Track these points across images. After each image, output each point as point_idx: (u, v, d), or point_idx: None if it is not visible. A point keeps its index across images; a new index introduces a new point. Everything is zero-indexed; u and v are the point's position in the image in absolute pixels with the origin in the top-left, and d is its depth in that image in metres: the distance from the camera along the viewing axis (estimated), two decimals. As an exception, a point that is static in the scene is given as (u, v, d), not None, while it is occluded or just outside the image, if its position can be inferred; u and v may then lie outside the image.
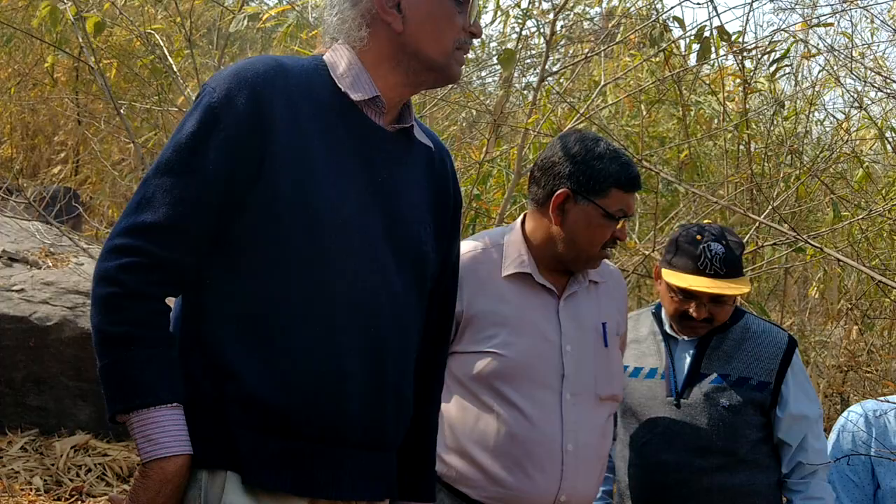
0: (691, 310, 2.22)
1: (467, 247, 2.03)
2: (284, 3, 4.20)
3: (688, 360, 2.29)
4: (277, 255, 1.43)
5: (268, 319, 1.44)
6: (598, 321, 2.05)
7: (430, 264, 1.63)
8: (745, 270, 2.44)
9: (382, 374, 1.53)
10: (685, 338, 2.30)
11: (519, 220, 2.08)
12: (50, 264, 4.41)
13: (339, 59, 1.54)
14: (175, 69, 4.25)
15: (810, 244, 2.08)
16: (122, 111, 3.66)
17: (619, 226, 1.98)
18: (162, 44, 4.36)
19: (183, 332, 1.47)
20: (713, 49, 4.23)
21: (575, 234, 1.97)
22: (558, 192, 1.96)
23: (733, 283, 2.21)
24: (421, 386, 1.68)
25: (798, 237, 2.08)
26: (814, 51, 4.90)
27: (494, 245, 2.04)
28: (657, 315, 2.38)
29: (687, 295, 2.22)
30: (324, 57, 1.56)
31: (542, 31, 4.34)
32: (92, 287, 1.43)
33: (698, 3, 5.02)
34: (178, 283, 1.45)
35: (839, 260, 2.09)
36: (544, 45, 3.41)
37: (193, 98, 1.56)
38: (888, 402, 2.48)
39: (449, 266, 1.73)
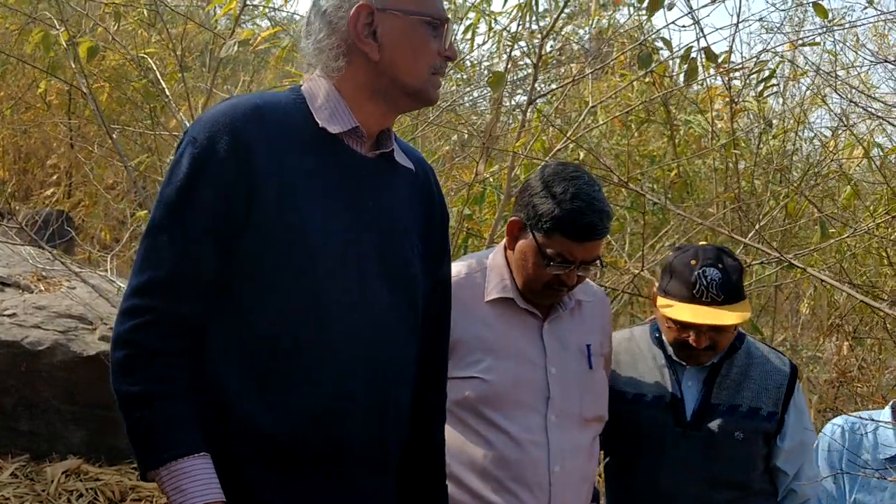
0: (691, 339, 2.14)
1: (452, 271, 2.04)
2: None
3: (696, 388, 2.22)
4: (273, 292, 1.46)
5: (268, 354, 1.47)
6: (583, 342, 2.07)
7: (421, 286, 1.65)
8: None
9: (384, 398, 1.56)
10: (693, 366, 2.23)
11: (502, 244, 2.09)
12: (42, 288, 4.41)
13: (316, 90, 1.56)
14: (168, 93, 4.28)
15: (793, 264, 2.09)
16: (114, 135, 3.67)
17: (566, 270, 1.93)
18: (155, 67, 4.39)
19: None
20: (700, 69, 4.27)
21: (518, 264, 1.99)
22: (512, 218, 2.00)
23: (731, 310, 2.11)
24: (426, 408, 1.71)
25: (781, 257, 2.09)
26: (800, 70, 4.96)
27: (478, 269, 2.06)
28: (659, 339, 2.28)
29: (683, 325, 2.14)
30: (302, 88, 1.58)
31: (531, 52, 4.37)
32: (110, 353, 1.47)
33: (683, 26, 5.07)
34: (190, 334, 1.47)
35: (822, 280, 2.08)
36: (533, 69, 3.44)
37: (186, 122, 1.59)
38: (861, 418, 2.49)
39: (440, 285, 1.75)
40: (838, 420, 2.62)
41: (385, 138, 1.62)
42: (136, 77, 5.28)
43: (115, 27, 4.29)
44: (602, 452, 2.24)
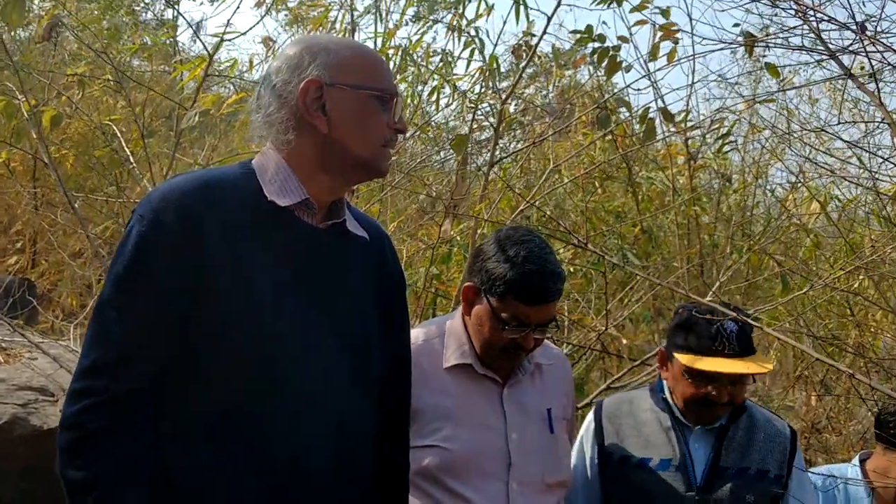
0: (712, 393, 2.12)
1: (411, 338, 2.04)
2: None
3: (704, 451, 2.19)
4: (226, 369, 1.45)
5: (223, 431, 1.45)
6: (544, 407, 2.05)
7: (378, 357, 1.65)
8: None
9: (345, 473, 1.54)
10: (699, 426, 2.20)
11: (460, 309, 2.08)
12: (1, 360, 4.32)
13: (266, 163, 1.57)
14: (132, 160, 4.28)
15: (749, 322, 2.10)
16: (76, 204, 3.66)
17: (522, 334, 1.93)
18: (119, 134, 4.40)
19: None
20: (659, 128, 4.36)
21: (475, 328, 1.99)
22: (466, 284, 2.00)
23: (754, 361, 2.12)
24: (390, 481, 1.70)
25: (736, 317, 2.11)
26: (757, 127, 5.08)
27: (437, 335, 2.05)
28: (664, 401, 2.25)
29: (708, 378, 2.11)
30: (252, 162, 1.59)
31: (493, 114, 4.44)
32: (57, 436, 1.44)
33: (638, 90, 5.22)
34: (141, 414, 1.44)
35: (778, 338, 2.11)
36: (493, 132, 3.49)
37: (149, 188, 1.59)
38: (824, 475, 2.49)
39: (399, 355, 1.74)
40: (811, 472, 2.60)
41: (337, 208, 1.62)
42: (100, 144, 5.27)
43: (80, 95, 4.30)
44: None
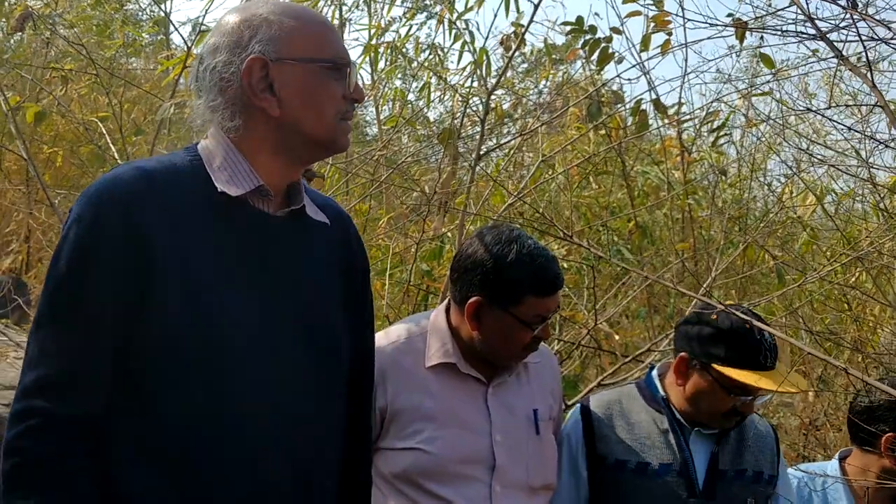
0: (745, 403, 2.06)
1: (391, 336, 1.97)
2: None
3: (704, 454, 2.13)
4: (180, 380, 1.35)
5: (177, 448, 1.35)
6: (530, 408, 1.99)
7: (345, 350, 1.56)
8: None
9: (307, 486, 1.45)
10: (701, 430, 2.13)
11: (443, 306, 2.02)
12: (-14, 360, 4.27)
13: (214, 149, 1.45)
14: (117, 157, 4.22)
15: (739, 317, 2.04)
16: (56, 201, 3.59)
17: (539, 328, 1.90)
18: (105, 132, 4.34)
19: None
20: (652, 121, 4.30)
21: (492, 340, 1.91)
22: (471, 299, 1.90)
23: (791, 376, 2.04)
24: (350, 486, 1.62)
25: (726, 310, 2.04)
26: (754, 119, 5.02)
27: (419, 333, 1.98)
28: (661, 402, 2.16)
29: (748, 391, 2.04)
30: (198, 147, 1.47)
31: (481, 108, 4.38)
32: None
33: (628, 79, 5.16)
34: (88, 435, 1.33)
35: (773, 333, 2.05)
36: (480, 125, 3.43)
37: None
38: (807, 472, 2.43)
39: (365, 347, 1.66)
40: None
41: (295, 193, 1.51)
42: (86, 141, 5.22)
43: (63, 91, 4.24)
44: None
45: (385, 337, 1.97)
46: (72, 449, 1.31)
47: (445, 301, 2.02)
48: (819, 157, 4.03)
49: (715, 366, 2.07)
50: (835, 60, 2.01)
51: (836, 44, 1.98)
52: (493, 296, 1.88)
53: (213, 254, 1.39)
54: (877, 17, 1.70)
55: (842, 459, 2.51)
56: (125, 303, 1.33)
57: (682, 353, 2.13)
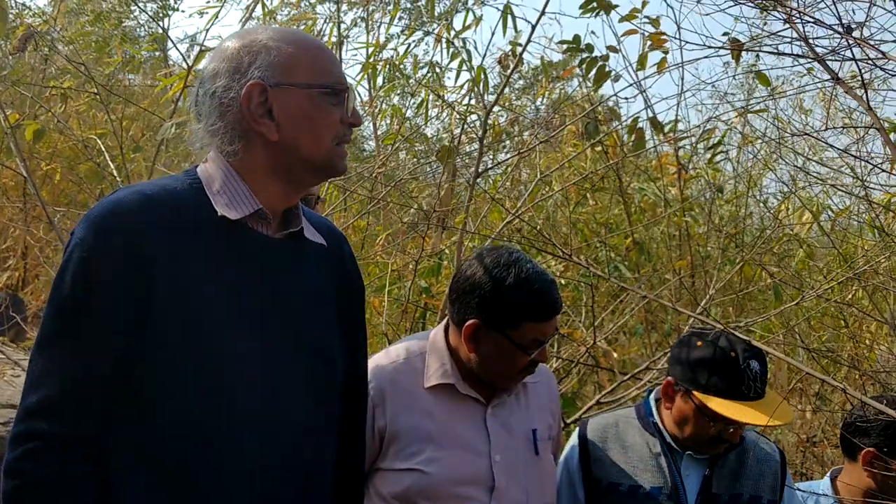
0: (728, 432, 2.05)
1: (391, 356, 1.97)
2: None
3: (696, 478, 2.12)
4: (179, 401, 1.36)
5: (176, 467, 1.36)
6: (529, 428, 1.99)
7: (340, 367, 1.58)
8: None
9: (304, 493, 1.47)
10: (692, 454, 2.13)
11: (442, 325, 2.02)
12: (-18, 378, 4.25)
13: (213, 173, 1.47)
14: (116, 174, 4.23)
15: (737, 336, 2.04)
16: (56, 219, 3.60)
17: (536, 352, 1.89)
18: (104, 149, 4.35)
19: None
20: (649, 139, 4.32)
21: (489, 363, 1.91)
22: (468, 322, 1.89)
23: (772, 404, 2.01)
24: (344, 499, 1.63)
25: (724, 329, 2.05)
26: (749, 137, 5.04)
27: (418, 353, 1.98)
28: (655, 426, 2.17)
29: (730, 421, 2.02)
30: (198, 171, 1.49)
31: (480, 126, 4.40)
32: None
33: (626, 98, 5.18)
34: (89, 456, 1.34)
35: (769, 352, 2.05)
36: (479, 143, 3.45)
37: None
38: (800, 489, 2.42)
39: (356, 364, 1.67)
40: None
41: (292, 216, 1.53)
42: (85, 158, 5.23)
43: (62, 109, 4.25)
44: None
45: (385, 356, 1.97)
46: (73, 471, 1.32)
47: (445, 320, 2.02)
48: (815, 174, 4.05)
49: (696, 393, 2.06)
50: (828, 77, 2.02)
51: (830, 63, 2.00)
52: (491, 319, 1.87)
53: (213, 277, 1.41)
54: (871, 41, 1.72)
55: (833, 478, 2.51)
56: (127, 326, 1.34)
57: (669, 378, 2.13)
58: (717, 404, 2.02)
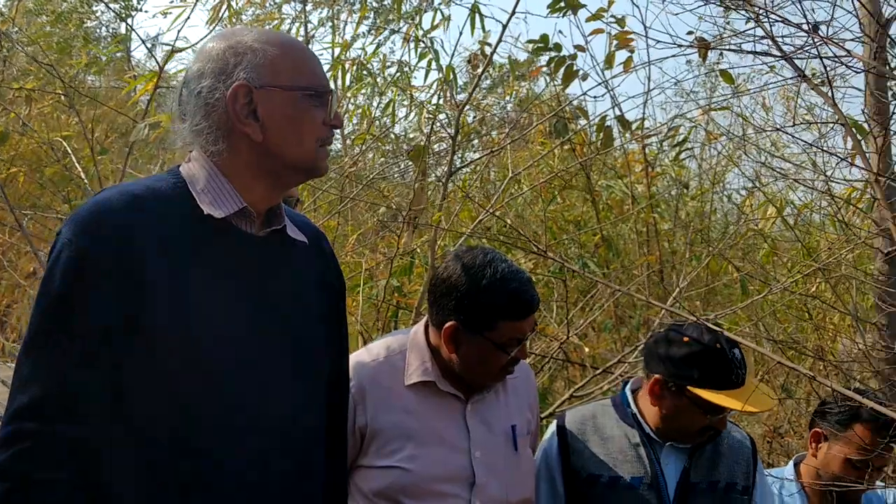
0: (716, 423, 2.09)
1: (372, 353, 1.99)
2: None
3: (675, 467, 2.16)
4: (170, 401, 1.37)
5: (167, 469, 1.37)
6: (508, 424, 2.01)
7: (325, 365, 1.60)
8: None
9: (294, 495, 1.49)
10: (674, 444, 2.16)
11: (422, 323, 2.04)
12: (-51, 385, 4.19)
13: (197, 172, 1.48)
14: (83, 176, 4.18)
15: (709, 327, 2.10)
16: (24, 222, 3.55)
17: (516, 350, 1.91)
18: (70, 151, 4.30)
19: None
20: (617, 136, 4.38)
21: (469, 363, 1.93)
22: (448, 324, 1.91)
23: (761, 389, 2.07)
24: (330, 500, 1.65)
25: (697, 321, 2.10)
26: (713, 134, 5.13)
27: (398, 351, 2.00)
28: (633, 417, 2.20)
29: (721, 410, 2.06)
30: (181, 170, 1.50)
31: (450, 125, 4.43)
32: None
33: (594, 97, 5.24)
34: (79, 457, 1.33)
35: (739, 342, 2.10)
36: (451, 142, 3.47)
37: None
38: (771, 475, 2.50)
39: (339, 360, 1.69)
40: None
41: (275, 215, 1.55)
42: (51, 161, 5.16)
43: (27, 111, 4.19)
44: None
45: (367, 354, 1.99)
46: (63, 472, 1.31)
47: (426, 318, 2.04)
48: (778, 169, 4.13)
49: (690, 388, 2.10)
50: (794, 74, 2.08)
51: (796, 61, 2.05)
52: (469, 321, 1.89)
53: (200, 275, 1.42)
54: (836, 39, 1.77)
55: (796, 464, 2.60)
56: (116, 325, 1.35)
57: (657, 376, 2.16)
58: (713, 396, 2.06)
